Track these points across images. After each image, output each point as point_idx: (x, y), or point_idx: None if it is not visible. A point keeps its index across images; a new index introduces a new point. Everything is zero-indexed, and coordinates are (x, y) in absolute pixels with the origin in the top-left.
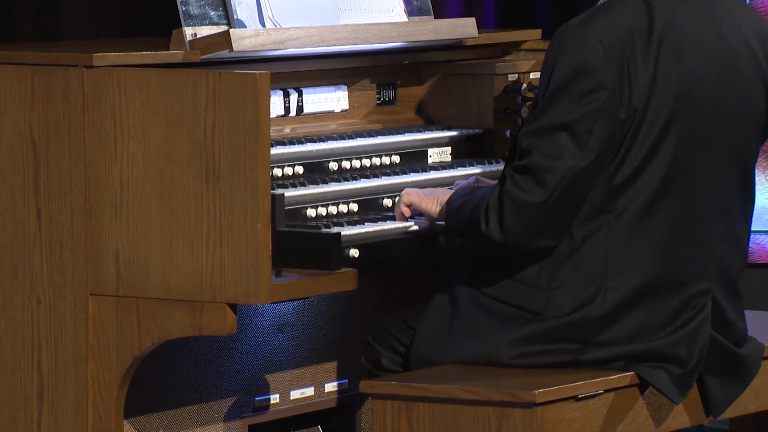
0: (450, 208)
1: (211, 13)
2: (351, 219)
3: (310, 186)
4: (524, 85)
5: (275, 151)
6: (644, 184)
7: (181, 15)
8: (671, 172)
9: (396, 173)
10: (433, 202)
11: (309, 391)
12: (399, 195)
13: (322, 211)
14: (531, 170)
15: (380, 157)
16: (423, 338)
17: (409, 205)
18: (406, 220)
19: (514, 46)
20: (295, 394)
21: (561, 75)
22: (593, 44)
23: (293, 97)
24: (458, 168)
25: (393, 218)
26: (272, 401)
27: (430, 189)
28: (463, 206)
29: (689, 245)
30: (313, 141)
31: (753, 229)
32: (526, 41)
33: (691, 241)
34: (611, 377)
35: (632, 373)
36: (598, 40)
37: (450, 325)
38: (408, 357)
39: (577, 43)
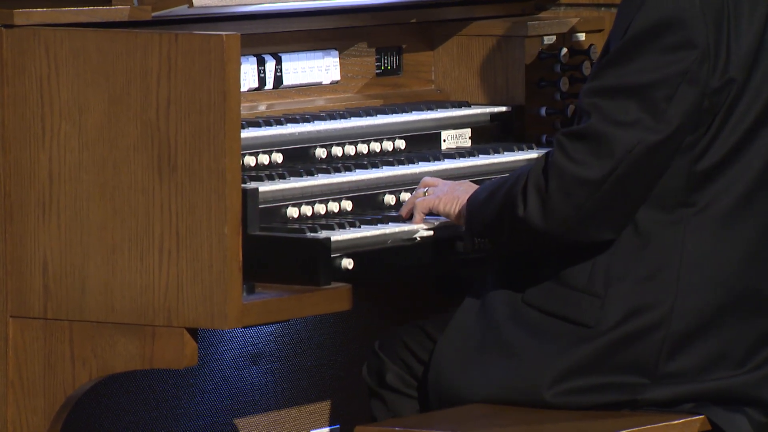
0: (473, 204)
1: None
2: (344, 220)
3: (292, 179)
4: (564, 50)
5: (247, 134)
6: (738, 176)
7: None
8: None
9: (401, 162)
10: (453, 203)
11: None
12: (415, 188)
13: (307, 210)
14: (588, 137)
15: (381, 141)
16: (444, 357)
17: (426, 212)
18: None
19: (552, 0)
20: None
21: (643, 23)
22: None
23: (270, 65)
24: (480, 155)
25: (396, 219)
26: None
27: (451, 184)
28: (493, 194)
29: None
30: (295, 121)
31: None
32: None
33: None
34: (674, 422)
35: (702, 417)
36: None
37: (480, 343)
38: (423, 378)
39: None
